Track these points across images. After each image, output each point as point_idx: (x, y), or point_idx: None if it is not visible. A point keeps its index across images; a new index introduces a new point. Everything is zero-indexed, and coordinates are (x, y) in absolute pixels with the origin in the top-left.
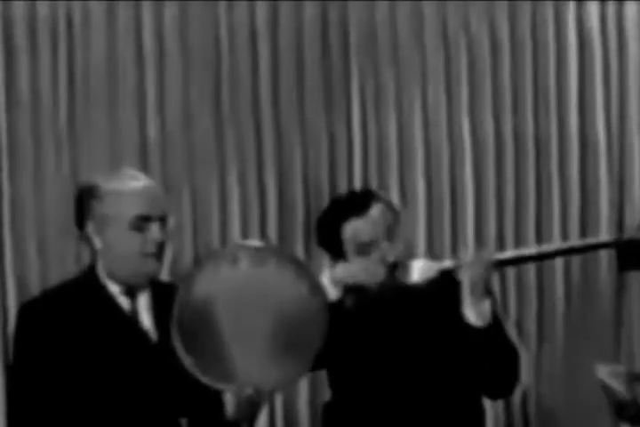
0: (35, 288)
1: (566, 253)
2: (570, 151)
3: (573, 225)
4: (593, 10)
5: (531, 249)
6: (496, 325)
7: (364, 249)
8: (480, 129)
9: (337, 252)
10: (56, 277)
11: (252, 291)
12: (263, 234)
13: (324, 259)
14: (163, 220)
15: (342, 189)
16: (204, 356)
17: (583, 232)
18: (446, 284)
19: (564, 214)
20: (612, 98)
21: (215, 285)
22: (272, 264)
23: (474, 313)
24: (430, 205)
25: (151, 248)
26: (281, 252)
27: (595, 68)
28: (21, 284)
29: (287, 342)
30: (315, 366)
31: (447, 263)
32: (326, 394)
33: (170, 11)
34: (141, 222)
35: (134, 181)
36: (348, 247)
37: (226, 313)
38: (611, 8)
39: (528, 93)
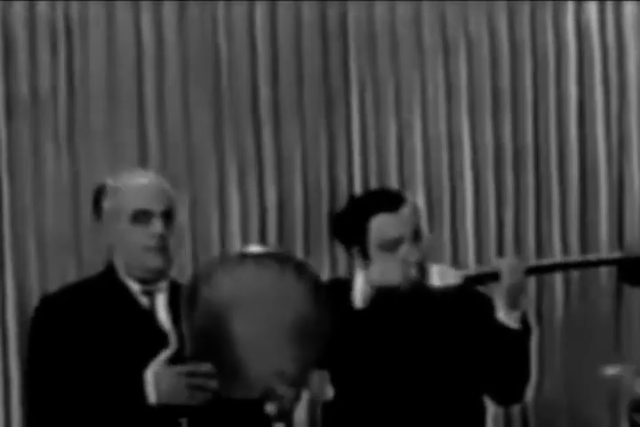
0: (34, 292)
1: (593, 264)
2: (570, 152)
3: (573, 225)
4: (592, 10)
5: (564, 258)
6: (527, 330)
7: (388, 246)
8: (479, 129)
9: (359, 246)
10: (56, 280)
11: (257, 295)
12: (263, 234)
13: (323, 258)
14: (168, 216)
15: (342, 189)
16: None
17: (583, 232)
18: (468, 290)
19: (563, 214)
20: (612, 97)
21: (221, 291)
22: (273, 268)
23: (508, 318)
24: (430, 205)
25: (152, 242)
26: (283, 255)
27: (594, 67)
28: (21, 288)
29: (296, 338)
30: (322, 363)
31: (473, 269)
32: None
33: (168, 11)
34: (142, 216)
35: (137, 178)
36: (372, 242)
37: (237, 321)
38: (609, 8)
39: (527, 93)
